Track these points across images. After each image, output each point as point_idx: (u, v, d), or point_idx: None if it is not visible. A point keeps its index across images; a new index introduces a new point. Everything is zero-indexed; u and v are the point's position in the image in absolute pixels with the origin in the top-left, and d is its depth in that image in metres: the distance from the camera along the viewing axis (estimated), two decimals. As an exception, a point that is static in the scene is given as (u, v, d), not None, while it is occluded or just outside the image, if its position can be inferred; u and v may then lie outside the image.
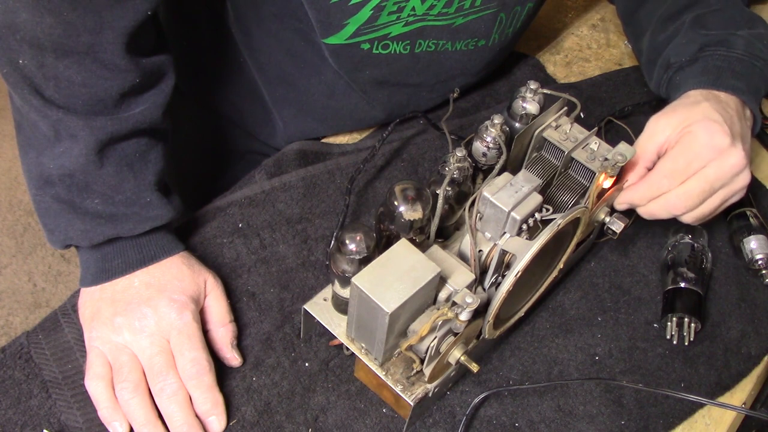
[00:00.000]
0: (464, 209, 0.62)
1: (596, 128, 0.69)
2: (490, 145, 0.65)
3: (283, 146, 0.87)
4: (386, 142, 0.82)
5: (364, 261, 0.57)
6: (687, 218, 0.70)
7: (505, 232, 0.60)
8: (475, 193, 0.60)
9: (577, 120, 0.69)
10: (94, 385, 0.63)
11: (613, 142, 0.67)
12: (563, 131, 0.68)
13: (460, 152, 0.62)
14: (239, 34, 0.85)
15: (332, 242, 0.64)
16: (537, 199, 0.59)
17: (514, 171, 0.61)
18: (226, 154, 1.00)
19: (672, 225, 0.82)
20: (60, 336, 0.68)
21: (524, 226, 0.59)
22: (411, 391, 0.61)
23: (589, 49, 1.06)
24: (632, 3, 0.89)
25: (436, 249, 0.61)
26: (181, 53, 0.73)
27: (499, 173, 0.63)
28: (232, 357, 0.68)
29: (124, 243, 0.67)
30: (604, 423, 0.69)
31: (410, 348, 0.58)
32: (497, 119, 0.64)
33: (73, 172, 0.63)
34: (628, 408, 0.70)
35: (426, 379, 0.61)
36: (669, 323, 0.76)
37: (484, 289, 0.64)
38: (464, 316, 0.55)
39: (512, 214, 0.58)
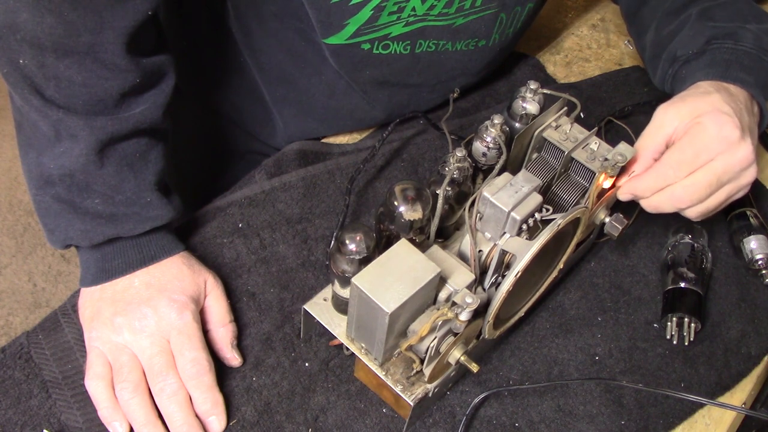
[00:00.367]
0: (464, 209, 0.62)
1: (596, 128, 0.69)
2: (490, 145, 0.65)
3: (283, 146, 0.87)
4: (386, 142, 0.82)
5: (364, 261, 0.57)
6: (691, 213, 0.68)
7: (505, 233, 0.60)
8: (475, 193, 0.60)
9: (577, 120, 0.68)
10: (94, 385, 0.63)
11: (613, 142, 0.67)
12: (563, 131, 0.68)
13: (460, 152, 0.62)
14: (239, 34, 0.85)
15: (332, 242, 0.64)
16: (537, 199, 0.59)
17: (514, 171, 0.61)
18: (226, 154, 1.00)
19: (672, 225, 0.82)
20: (60, 336, 0.68)
21: (524, 227, 0.59)
22: (411, 391, 0.61)
23: (589, 49, 1.06)
24: (636, 0, 0.89)
25: (436, 249, 0.61)
26: (181, 53, 0.73)
27: (499, 173, 0.63)
28: (232, 357, 0.68)
29: (124, 243, 0.67)
30: (604, 423, 0.69)
31: (410, 348, 0.58)
32: (497, 119, 0.64)
33: (73, 172, 0.63)
34: (628, 408, 0.70)
35: (426, 379, 0.61)
36: (669, 323, 0.76)
37: (484, 290, 0.64)
38: (464, 317, 0.55)
39: (512, 214, 0.58)
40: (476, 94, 0.96)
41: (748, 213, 0.83)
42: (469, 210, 0.60)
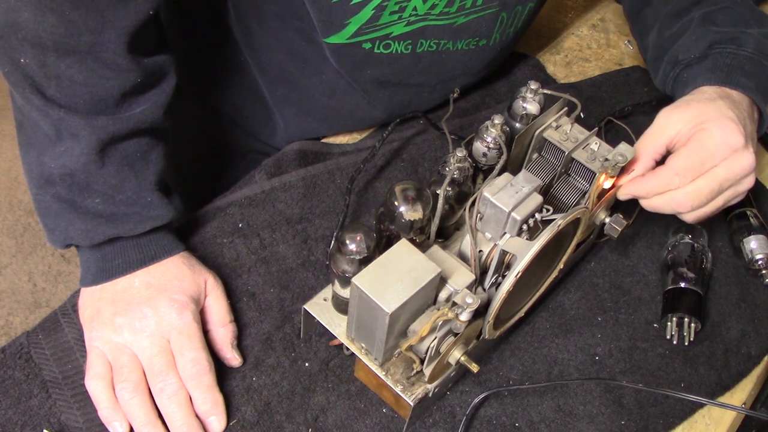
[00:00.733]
0: (464, 209, 0.62)
1: (596, 128, 0.69)
2: (491, 146, 0.65)
3: (284, 146, 0.87)
4: (386, 142, 0.82)
5: (365, 261, 0.57)
6: (688, 216, 0.69)
7: (505, 233, 0.60)
8: (476, 193, 0.60)
9: (578, 120, 0.68)
10: (94, 385, 0.63)
11: (613, 143, 0.67)
12: (563, 131, 0.68)
13: (460, 152, 0.62)
14: (240, 34, 0.85)
15: (332, 242, 0.64)
16: (537, 199, 0.59)
17: (515, 171, 0.61)
18: (226, 154, 1.00)
19: (672, 225, 0.82)
20: (60, 336, 0.68)
21: (524, 227, 0.59)
22: (411, 391, 0.61)
23: (589, 49, 1.06)
24: (639, 1, 0.89)
25: (436, 249, 0.61)
26: (181, 53, 0.73)
27: (500, 173, 0.63)
28: (232, 357, 0.68)
29: (124, 243, 0.67)
30: (604, 423, 0.69)
31: (410, 348, 0.58)
32: (497, 119, 0.64)
33: (74, 172, 0.63)
34: (628, 408, 0.70)
35: (426, 380, 0.61)
36: (669, 323, 0.76)
37: (484, 290, 0.64)
38: (464, 317, 0.55)
39: (513, 214, 0.58)
40: (476, 94, 0.96)
41: (748, 213, 0.83)
42: (470, 210, 0.60)
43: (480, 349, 0.67)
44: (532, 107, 0.66)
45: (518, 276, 0.58)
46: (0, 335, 1.68)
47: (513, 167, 0.70)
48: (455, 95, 0.76)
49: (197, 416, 0.63)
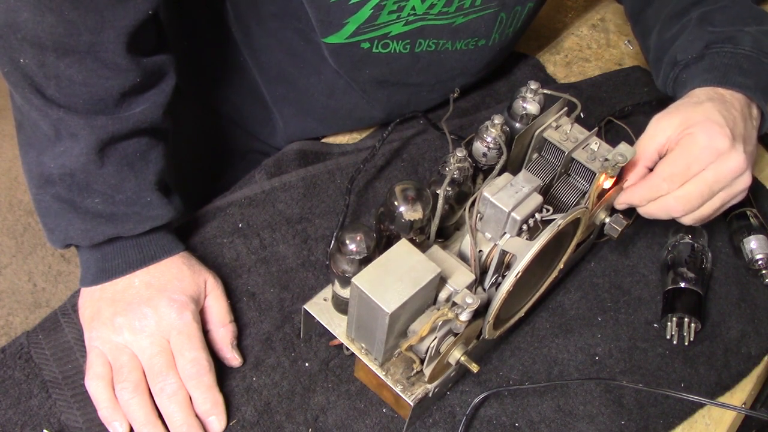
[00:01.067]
0: (464, 209, 0.62)
1: (596, 128, 0.69)
2: (491, 146, 0.65)
3: (283, 146, 0.87)
4: (386, 142, 0.82)
5: (364, 261, 0.57)
6: (686, 220, 0.70)
7: (505, 233, 0.60)
8: (476, 193, 0.60)
9: (578, 120, 0.68)
10: (94, 385, 0.63)
11: (613, 143, 0.67)
12: (563, 131, 0.68)
13: (460, 152, 0.62)
14: (239, 34, 0.85)
15: (332, 242, 0.64)
16: (537, 199, 0.59)
17: (515, 171, 0.61)
18: (226, 154, 1.00)
19: (672, 225, 0.82)
20: (60, 336, 0.68)
21: (524, 227, 0.59)
22: (411, 392, 0.61)
23: (589, 49, 1.06)
24: (640, 2, 0.89)
25: (436, 249, 0.61)
26: (181, 53, 0.73)
27: (500, 173, 0.63)
28: (232, 357, 0.68)
29: (124, 243, 0.67)
30: (604, 423, 0.69)
31: (410, 348, 0.58)
32: (497, 119, 0.64)
33: (73, 172, 0.63)
34: (628, 408, 0.70)
35: (426, 380, 0.61)
36: (669, 323, 0.76)
37: (484, 290, 0.64)
38: (464, 317, 0.55)
39: (512, 214, 0.58)
40: (476, 94, 0.96)
41: (748, 213, 0.83)
42: (470, 210, 0.60)
43: (480, 349, 0.67)
44: (532, 107, 0.66)
45: (518, 276, 0.58)
46: (0, 335, 1.68)
47: (513, 167, 0.70)
48: (455, 95, 0.76)
49: (197, 416, 0.63)
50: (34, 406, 0.64)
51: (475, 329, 0.62)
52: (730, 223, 0.84)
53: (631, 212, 0.73)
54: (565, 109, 0.69)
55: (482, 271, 0.63)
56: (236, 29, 0.85)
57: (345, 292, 0.61)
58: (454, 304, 0.56)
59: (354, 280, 0.54)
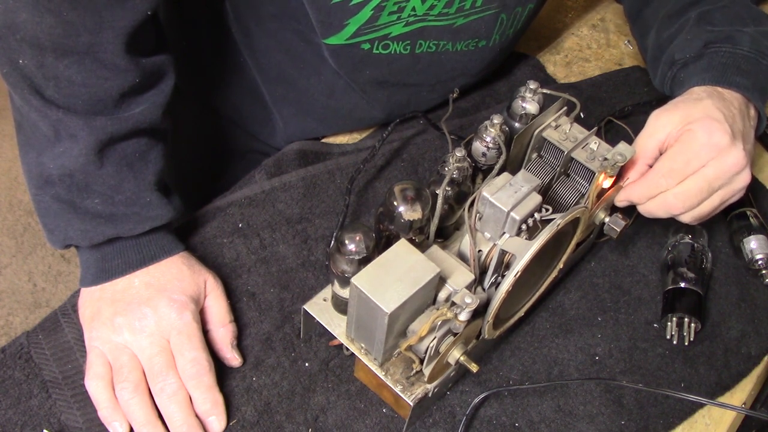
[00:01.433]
0: (464, 209, 0.62)
1: (596, 128, 0.69)
2: (490, 145, 0.65)
3: (283, 146, 0.87)
4: (386, 142, 0.82)
5: (364, 261, 0.57)
6: (686, 218, 0.69)
7: (504, 232, 0.60)
8: (475, 193, 0.60)
9: (577, 120, 0.68)
10: (94, 385, 0.63)
11: (612, 142, 0.67)
12: (563, 131, 0.68)
13: (459, 152, 0.62)
14: (239, 34, 0.85)
15: (332, 242, 0.64)
16: (536, 199, 0.59)
17: (514, 171, 0.61)
18: (226, 154, 1.00)
19: (672, 225, 0.82)
20: (60, 336, 0.68)
21: (524, 226, 0.59)
22: (411, 391, 0.61)
23: (589, 49, 1.06)
24: (638, 1, 0.89)
25: (435, 249, 0.61)
26: (181, 53, 0.73)
27: (499, 173, 0.63)
28: (232, 357, 0.68)
29: (124, 243, 0.67)
30: (604, 423, 0.69)
31: (410, 348, 0.58)
32: (497, 119, 0.64)
33: (73, 172, 0.63)
34: (628, 408, 0.70)
35: (426, 380, 0.61)
36: (669, 323, 0.76)
37: (483, 289, 0.64)
38: (464, 317, 0.55)
39: (512, 214, 0.58)
40: (476, 94, 0.96)
41: (748, 213, 0.83)
42: (469, 210, 0.60)
43: (480, 349, 0.67)
44: (532, 107, 0.66)
45: (518, 275, 0.58)
46: (0, 335, 1.68)
47: (512, 167, 0.70)
48: (455, 95, 0.76)
49: (197, 416, 0.63)
50: (34, 406, 0.64)
51: (475, 329, 0.62)
52: (730, 223, 0.84)
53: (630, 212, 0.72)
54: (565, 108, 0.69)
55: (482, 271, 0.63)
56: (236, 30, 0.85)
57: (345, 292, 0.61)
58: (454, 303, 0.56)
59: (353, 280, 0.54)
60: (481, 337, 0.64)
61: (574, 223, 0.64)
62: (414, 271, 0.55)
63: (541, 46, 1.06)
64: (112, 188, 0.65)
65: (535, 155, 0.70)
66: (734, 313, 0.78)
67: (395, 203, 0.59)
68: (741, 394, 0.74)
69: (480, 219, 0.60)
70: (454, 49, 0.82)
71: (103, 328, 0.65)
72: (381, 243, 0.63)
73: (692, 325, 0.75)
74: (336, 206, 0.80)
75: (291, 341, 0.70)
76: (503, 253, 0.60)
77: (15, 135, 0.65)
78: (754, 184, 0.71)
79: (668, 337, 0.75)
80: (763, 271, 0.80)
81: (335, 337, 0.63)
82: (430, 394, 0.62)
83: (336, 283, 0.62)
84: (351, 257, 0.58)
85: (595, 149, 0.67)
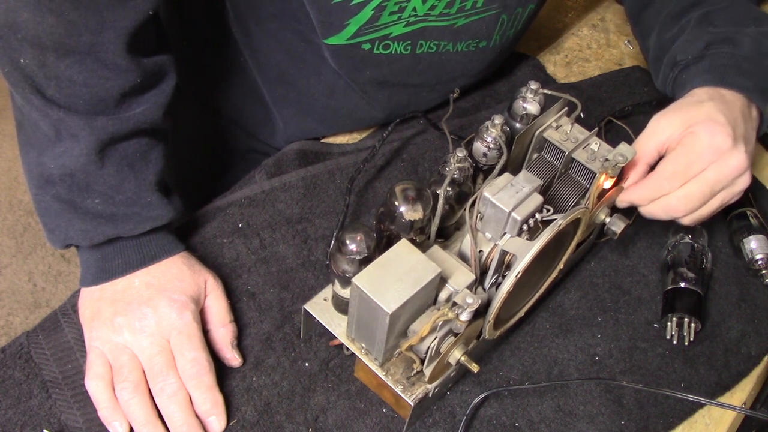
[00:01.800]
0: (465, 209, 0.62)
1: (596, 128, 0.69)
2: (491, 146, 0.65)
3: (283, 146, 0.87)
4: (386, 142, 0.82)
5: (365, 261, 0.57)
6: (685, 220, 0.70)
7: (505, 233, 0.60)
8: (476, 193, 0.60)
9: (578, 120, 0.68)
10: (94, 385, 0.63)
11: (613, 143, 0.67)
12: (564, 132, 0.68)
13: (460, 152, 0.62)
14: (239, 34, 0.85)
15: (332, 242, 0.64)
16: (537, 199, 0.59)
17: (515, 171, 0.61)
18: (226, 154, 1.00)
19: (672, 225, 0.82)
20: (60, 336, 0.68)
21: (525, 227, 0.59)
22: (411, 392, 0.61)
23: (589, 49, 1.06)
24: (640, 2, 0.89)
25: (436, 249, 0.61)
26: (181, 53, 0.73)
27: (500, 174, 0.63)
28: (232, 357, 0.68)
29: (124, 243, 0.67)
30: (604, 423, 0.69)
31: (410, 348, 0.58)
32: (498, 119, 0.64)
33: (73, 172, 0.63)
34: (628, 408, 0.70)
35: (426, 380, 0.61)
36: (669, 323, 0.76)
37: (484, 290, 0.64)
38: (465, 317, 0.55)
39: (513, 214, 0.58)
40: (476, 94, 0.96)
41: (748, 213, 0.83)
42: (470, 210, 0.60)
43: (480, 349, 0.67)
44: (532, 107, 0.66)
45: (518, 276, 0.58)
46: (0, 335, 1.68)
47: (513, 167, 0.70)
48: (455, 95, 0.76)
49: (197, 416, 0.63)
50: (34, 406, 0.64)
51: (476, 329, 0.62)
52: (730, 223, 0.84)
53: (631, 212, 0.73)
54: (566, 109, 0.69)
55: (482, 271, 0.63)
56: (236, 30, 0.85)
57: (345, 292, 0.61)
58: (455, 304, 0.56)
59: (354, 280, 0.54)
60: (481, 338, 0.64)
61: (575, 223, 0.64)
62: (415, 271, 0.55)
63: (541, 46, 1.06)
64: (112, 188, 0.65)
65: (536, 155, 0.70)
66: (734, 313, 0.78)
67: (396, 203, 0.59)
68: (741, 394, 0.74)
69: (481, 219, 0.60)
70: (454, 50, 0.82)
71: (103, 328, 0.65)
72: (382, 243, 0.63)
73: (692, 325, 0.75)
74: (336, 206, 0.80)
75: (291, 341, 0.70)
76: (504, 253, 0.60)
77: (15, 135, 0.65)
78: (754, 184, 0.71)
79: (668, 337, 0.75)
80: (763, 271, 0.80)
81: (335, 337, 0.63)
82: (430, 394, 0.62)
83: (336, 283, 0.62)
84: (352, 257, 0.58)
85: (596, 150, 0.67)
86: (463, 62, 0.84)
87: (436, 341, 0.58)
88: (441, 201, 0.61)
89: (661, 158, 0.69)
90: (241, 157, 0.99)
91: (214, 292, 0.69)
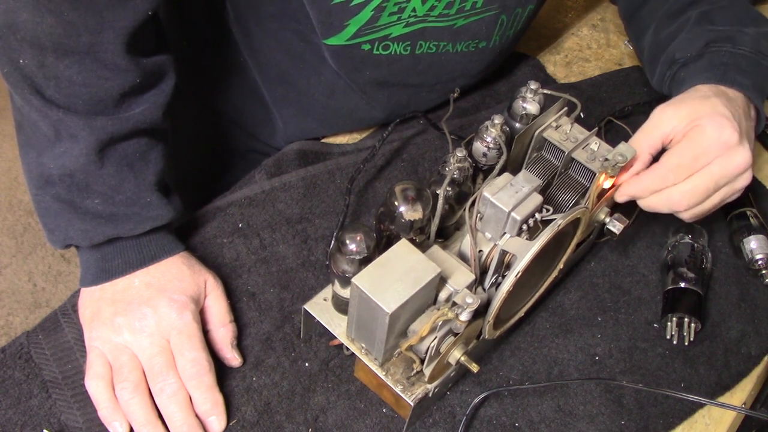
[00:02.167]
0: (464, 209, 0.62)
1: (596, 128, 0.69)
2: (491, 146, 0.65)
3: (283, 146, 0.87)
4: (386, 142, 0.82)
5: (365, 261, 0.57)
6: (686, 215, 0.69)
7: (505, 233, 0.60)
8: (476, 193, 0.60)
9: (577, 120, 0.68)
10: (94, 385, 0.63)
11: (613, 142, 0.67)
12: (563, 131, 0.68)
13: (460, 152, 0.62)
14: (239, 34, 0.85)
15: (332, 242, 0.64)
16: (537, 199, 0.59)
17: (515, 171, 0.61)
18: (226, 154, 1.00)
19: (672, 225, 0.82)
20: (60, 336, 0.68)
21: (524, 227, 0.59)
22: (411, 392, 0.61)
23: (589, 49, 1.06)
24: (634, 1, 0.89)
25: (436, 249, 0.61)
26: (181, 53, 0.73)
27: (500, 173, 0.63)
28: (232, 357, 0.68)
29: (124, 243, 0.67)
30: (604, 423, 0.69)
31: (410, 348, 0.58)
32: (497, 119, 0.64)
33: (73, 172, 0.63)
34: (628, 408, 0.70)
35: (426, 380, 0.61)
36: (669, 323, 0.76)
37: (484, 290, 0.64)
38: (464, 317, 0.55)
39: (512, 214, 0.58)
40: (476, 94, 0.96)
41: (748, 213, 0.83)
42: (470, 210, 0.60)
43: (480, 349, 0.67)
44: (532, 107, 0.66)
45: (518, 276, 0.58)
46: (0, 335, 1.68)
47: (513, 167, 0.70)
48: (455, 95, 0.76)
49: (197, 416, 0.63)
50: (34, 406, 0.64)
51: (475, 329, 0.62)
52: (730, 223, 0.84)
53: (631, 212, 0.72)
54: (565, 109, 0.69)
55: (482, 271, 0.63)
56: (236, 30, 0.85)
57: (345, 292, 0.61)
58: (454, 304, 0.56)
59: (354, 280, 0.54)
60: (481, 337, 0.64)
61: (575, 223, 0.64)
62: (415, 271, 0.55)
63: (541, 46, 1.06)
64: (112, 188, 0.65)
65: (535, 155, 0.70)
66: (734, 313, 0.78)
67: (396, 203, 0.59)
68: (741, 394, 0.74)
69: (481, 219, 0.60)
70: (454, 50, 0.82)
71: (103, 328, 0.65)
72: (381, 243, 0.63)
73: (692, 325, 0.75)
74: (336, 206, 0.80)
75: (291, 341, 0.70)
76: (504, 253, 0.60)
77: (15, 135, 0.65)
78: (754, 184, 0.71)
79: (668, 337, 0.75)
80: (763, 271, 0.80)
81: (335, 337, 0.63)
82: (430, 394, 0.62)
83: (336, 283, 0.62)
84: (352, 257, 0.58)
85: (596, 150, 0.67)
86: (463, 62, 0.84)
87: (435, 341, 0.58)
88: (441, 201, 0.61)
89: (664, 150, 0.69)
90: (241, 157, 0.99)
91: (214, 292, 0.69)
